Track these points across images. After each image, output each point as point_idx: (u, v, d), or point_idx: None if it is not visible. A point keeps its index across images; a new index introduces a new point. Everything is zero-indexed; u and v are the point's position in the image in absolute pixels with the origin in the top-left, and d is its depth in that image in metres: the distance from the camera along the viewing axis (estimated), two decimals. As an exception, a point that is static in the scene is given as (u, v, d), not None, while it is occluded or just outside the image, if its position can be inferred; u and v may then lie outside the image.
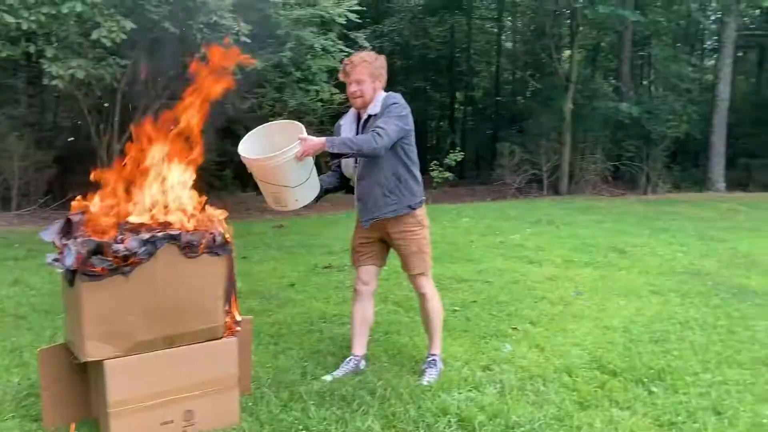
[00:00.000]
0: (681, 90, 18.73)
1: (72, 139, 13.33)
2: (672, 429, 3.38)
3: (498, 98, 26.54)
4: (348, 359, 4.10)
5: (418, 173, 3.95)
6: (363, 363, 4.11)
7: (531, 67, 25.64)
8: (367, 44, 13.09)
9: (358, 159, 3.85)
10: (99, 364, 2.97)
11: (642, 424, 3.41)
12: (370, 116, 3.81)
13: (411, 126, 3.82)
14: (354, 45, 13.14)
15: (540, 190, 17.90)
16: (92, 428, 3.19)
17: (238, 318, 3.50)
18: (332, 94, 12.92)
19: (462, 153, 19.36)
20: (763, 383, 3.97)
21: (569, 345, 4.62)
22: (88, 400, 3.27)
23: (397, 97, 3.81)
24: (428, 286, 4.10)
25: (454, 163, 18.43)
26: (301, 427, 3.28)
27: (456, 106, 30.22)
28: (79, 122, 12.29)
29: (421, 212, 3.98)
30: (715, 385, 3.95)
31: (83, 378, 3.26)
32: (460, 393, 3.70)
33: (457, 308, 5.52)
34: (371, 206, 3.90)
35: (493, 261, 7.50)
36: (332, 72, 12.96)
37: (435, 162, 18.69)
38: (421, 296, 4.12)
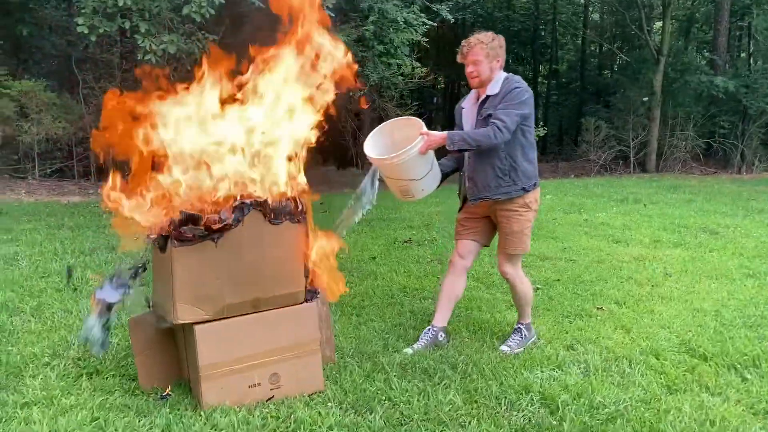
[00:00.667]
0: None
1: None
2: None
3: (584, 71, 25.73)
4: (427, 329, 4.11)
5: (533, 155, 3.93)
6: (442, 335, 4.11)
7: (619, 39, 24.73)
8: (449, 16, 12.92)
9: None
10: (190, 328, 3.09)
11: (735, 411, 3.28)
12: (488, 96, 3.80)
13: (531, 109, 3.80)
14: (436, 17, 12.99)
15: (626, 168, 17.35)
16: (185, 389, 3.33)
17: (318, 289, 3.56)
18: (414, 68, 12.84)
19: (545, 128, 18.94)
20: None
21: (657, 327, 4.49)
22: (179, 363, 3.42)
23: (519, 80, 3.80)
24: (514, 270, 4.06)
25: (537, 138, 18.06)
26: (384, 397, 3.32)
27: (539, 80, 29.52)
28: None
29: (533, 195, 3.94)
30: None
31: (172, 343, 3.41)
32: (542, 371, 3.67)
33: (539, 286, 5.44)
34: (482, 186, 3.89)
35: (578, 239, 7.34)
36: (414, 45, 12.88)
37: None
38: (508, 281, 4.13)
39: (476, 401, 3.32)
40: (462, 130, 3.91)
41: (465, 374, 3.63)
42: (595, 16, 27.25)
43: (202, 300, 3.07)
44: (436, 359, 3.82)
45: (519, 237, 3.95)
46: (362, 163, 15.74)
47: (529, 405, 3.29)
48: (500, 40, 3.87)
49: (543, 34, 27.14)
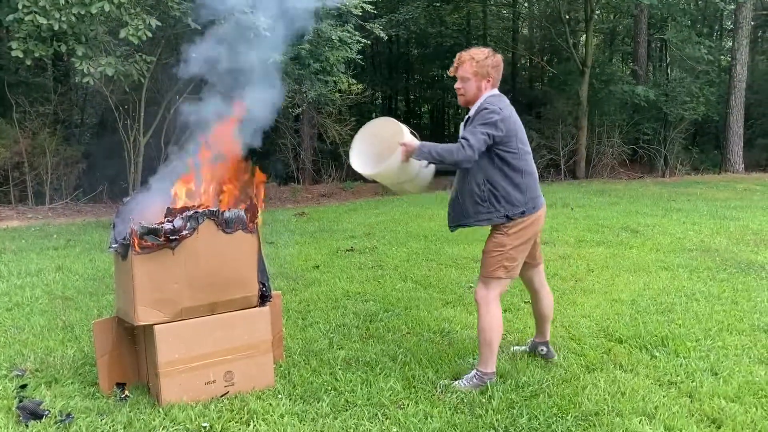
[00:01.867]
0: (698, 72, 18.77)
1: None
2: (671, 387, 3.66)
3: (515, 84, 26.62)
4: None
5: (524, 181, 3.65)
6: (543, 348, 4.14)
7: (548, 52, 25.72)
8: (383, 34, 13.35)
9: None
10: (150, 329, 3.33)
11: (643, 383, 3.70)
12: (468, 117, 3.67)
13: (506, 131, 3.54)
14: (370, 35, 13.40)
15: (557, 175, 18.09)
16: (144, 390, 3.55)
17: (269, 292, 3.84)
18: (350, 84, 13.21)
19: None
20: (760, 347, 4.24)
21: (578, 316, 4.91)
22: (137, 366, 3.64)
23: (493, 101, 3.60)
24: (483, 293, 3.69)
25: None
26: (330, 388, 3.62)
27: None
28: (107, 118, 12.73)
29: (521, 224, 3.64)
30: (714, 349, 4.22)
31: (133, 346, 3.64)
32: (474, 359, 4.02)
33: (472, 285, 5.82)
34: (457, 213, 3.77)
35: (509, 242, 7.77)
36: (349, 63, 13.24)
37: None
38: (476, 303, 3.76)
39: (414, 386, 3.65)
40: None
41: (404, 364, 3.96)
42: (525, 31, 28.28)
43: (161, 303, 3.32)
44: (378, 353, 4.14)
45: (492, 259, 3.65)
46: (303, 179, 16.01)
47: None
48: (495, 60, 3.64)
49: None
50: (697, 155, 20.25)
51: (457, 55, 3.69)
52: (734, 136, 18.45)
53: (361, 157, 3.86)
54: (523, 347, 4.22)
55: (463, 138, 3.51)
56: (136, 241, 3.21)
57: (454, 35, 25.87)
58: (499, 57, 3.68)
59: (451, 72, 3.71)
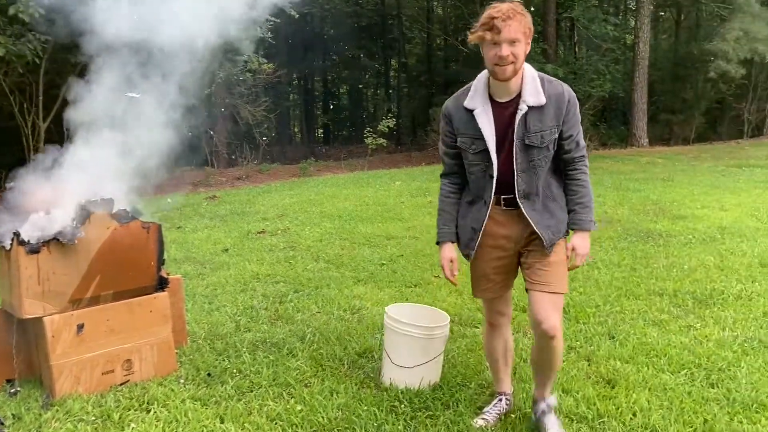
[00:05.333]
0: (604, 50, 19.41)
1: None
2: (570, 352, 3.78)
3: (431, 64, 26.84)
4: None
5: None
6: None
7: (462, 32, 25.98)
8: (293, 13, 13.13)
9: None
10: (39, 321, 3.17)
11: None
12: (531, 108, 2.66)
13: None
14: (282, 14, 13.15)
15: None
16: (35, 385, 3.38)
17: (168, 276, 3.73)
18: (260, 64, 12.95)
19: (394, 119, 19.63)
20: (654, 311, 4.44)
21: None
22: (29, 360, 3.46)
23: (549, 78, 2.76)
24: (558, 318, 2.78)
25: (387, 130, 18.71)
26: (235, 371, 3.55)
27: (391, 73, 30.43)
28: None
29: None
30: (612, 314, 4.39)
31: (22, 341, 3.45)
32: (382, 334, 4.03)
33: (384, 262, 5.85)
34: (554, 226, 2.84)
35: (422, 219, 7.85)
36: (260, 42, 12.98)
37: (369, 129, 18.95)
38: (550, 334, 2.74)
39: (321, 365, 3.63)
40: (477, 147, 2.75)
41: (312, 343, 3.93)
42: (440, 11, 28.50)
43: (50, 295, 3.17)
44: (286, 334, 4.09)
45: (563, 270, 2.88)
46: (216, 162, 15.65)
47: (369, 363, 3.65)
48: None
49: (391, 29, 28.00)
50: (605, 131, 20.99)
51: (491, 10, 2.57)
52: (639, 111, 19.23)
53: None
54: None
55: (580, 157, 2.79)
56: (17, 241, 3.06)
57: (369, 14, 25.83)
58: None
59: (482, 35, 2.56)
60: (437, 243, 2.98)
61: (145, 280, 3.49)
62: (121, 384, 3.35)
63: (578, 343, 3.91)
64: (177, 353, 3.68)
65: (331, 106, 32.57)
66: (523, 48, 2.60)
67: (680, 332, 4.05)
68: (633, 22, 21.18)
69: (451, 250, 2.93)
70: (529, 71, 2.70)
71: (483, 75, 2.78)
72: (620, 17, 24.83)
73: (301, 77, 27.45)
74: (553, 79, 2.74)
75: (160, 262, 3.63)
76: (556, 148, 2.74)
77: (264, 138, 17.22)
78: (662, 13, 25.88)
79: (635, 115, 19.24)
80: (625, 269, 5.46)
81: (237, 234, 7.22)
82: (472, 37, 2.62)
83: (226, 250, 6.47)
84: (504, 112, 2.72)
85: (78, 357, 3.23)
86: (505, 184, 2.75)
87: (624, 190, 9.78)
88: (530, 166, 2.72)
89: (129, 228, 3.39)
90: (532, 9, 23.33)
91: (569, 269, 2.85)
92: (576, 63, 19.33)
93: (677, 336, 3.97)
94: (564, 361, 3.64)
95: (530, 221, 2.75)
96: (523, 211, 2.75)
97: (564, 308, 4.47)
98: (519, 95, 2.69)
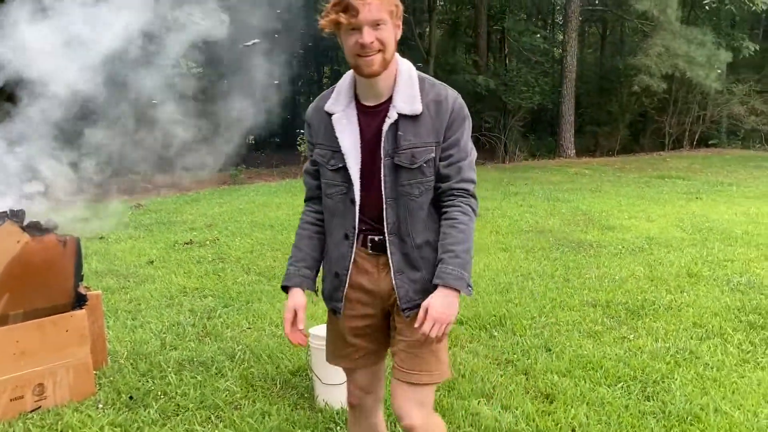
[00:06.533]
0: (533, 62, 19.84)
1: None
2: (508, 366, 3.73)
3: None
4: None
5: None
6: None
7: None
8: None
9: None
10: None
11: (483, 363, 3.75)
12: (402, 117, 2.02)
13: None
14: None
15: (405, 162, 18.45)
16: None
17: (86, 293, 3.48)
18: (189, 68, 12.56)
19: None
20: (588, 322, 4.45)
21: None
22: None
23: (429, 78, 2.14)
24: (425, 415, 2.14)
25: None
26: (160, 393, 3.34)
27: (324, 81, 30.25)
28: None
29: None
30: (548, 326, 4.38)
31: None
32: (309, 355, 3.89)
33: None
34: (422, 280, 2.14)
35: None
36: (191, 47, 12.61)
37: (302, 136, 18.72)
38: None
39: (252, 385, 3.46)
40: (336, 162, 2.09)
41: (242, 362, 3.75)
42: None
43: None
44: (215, 352, 3.89)
45: (438, 352, 2.15)
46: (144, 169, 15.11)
47: (303, 382, 3.49)
48: None
49: (323, 36, 27.85)
50: (534, 142, 21.40)
51: None
52: (566, 123, 19.68)
53: None
54: None
55: (461, 190, 2.06)
56: None
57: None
58: None
59: (336, 18, 1.90)
60: (282, 288, 2.19)
61: (60, 298, 3.24)
62: (32, 411, 3.09)
63: (516, 356, 3.87)
64: (96, 375, 3.44)
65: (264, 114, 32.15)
66: (391, 32, 1.97)
67: (615, 344, 4.06)
68: (561, 36, 21.76)
69: (299, 297, 2.15)
70: (405, 68, 2.09)
71: (348, 74, 2.15)
72: (549, 31, 25.46)
73: (232, 83, 27.05)
74: (438, 82, 2.11)
75: (78, 277, 3.38)
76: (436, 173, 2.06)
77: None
78: (588, 28, 26.70)
79: (563, 127, 19.69)
80: (558, 280, 5.48)
81: (163, 245, 6.91)
82: (324, 23, 1.93)
83: (152, 262, 6.17)
84: (373, 120, 2.07)
85: (-17, 383, 2.96)
86: (373, 217, 2.08)
87: (554, 200, 9.93)
88: (400, 193, 2.03)
89: (43, 241, 3.14)
90: (462, 19, 23.77)
91: (423, 341, 2.00)
92: (506, 75, 19.67)
93: (612, 348, 3.98)
94: (502, 376, 3.59)
95: (391, 267, 2.07)
96: (388, 253, 2.06)
97: (501, 320, 4.47)
98: (390, 99, 2.05)
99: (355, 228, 2.09)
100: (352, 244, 2.10)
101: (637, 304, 4.79)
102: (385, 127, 2.02)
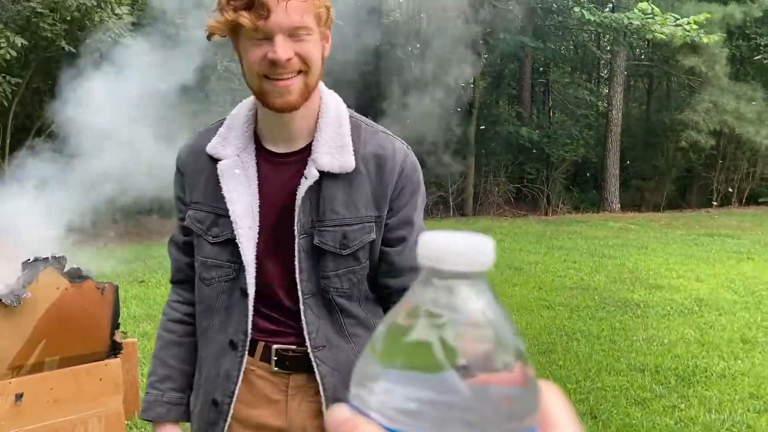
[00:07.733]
0: (577, 115, 19.75)
1: None
2: (551, 433, 3.55)
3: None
4: None
5: None
6: None
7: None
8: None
9: None
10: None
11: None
12: (324, 176, 1.37)
13: None
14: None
15: (446, 211, 18.36)
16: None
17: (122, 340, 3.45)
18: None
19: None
20: (636, 388, 4.25)
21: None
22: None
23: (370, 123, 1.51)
24: None
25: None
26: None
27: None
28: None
29: None
30: (594, 391, 4.20)
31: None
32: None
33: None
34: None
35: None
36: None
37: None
38: None
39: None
40: (220, 232, 1.41)
41: None
42: (416, 71, 28.89)
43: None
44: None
45: None
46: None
47: None
48: None
49: (371, 84, 28.27)
50: (577, 195, 21.15)
51: None
52: (611, 177, 19.44)
53: None
54: None
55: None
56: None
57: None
58: None
59: (244, 21, 1.23)
60: (147, 420, 1.51)
61: (96, 346, 3.21)
62: (63, 461, 3.04)
63: (559, 423, 3.69)
64: (128, 425, 3.38)
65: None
66: (317, 45, 1.32)
67: (665, 413, 3.86)
68: (606, 90, 21.66)
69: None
70: (332, 103, 1.43)
71: (246, 103, 1.47)
72: (594, 84, 25.42)
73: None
74: (381, 128, 1.47)
75: (115, 325, 3.36)
76: (375, 259, 1.44)
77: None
78: (634, 82, 26.56)
79: (607, 180, 19.45)
80: (604, 341, 5.28)
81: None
82: (214, 24, 1.29)
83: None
84: (282, 172, 1.42)
85: (16, 430, 2.92)
86: (279, 316, 1.43)
87: (599, 256, 9.70)
88: (323, 288, 1.39)
89: (81, 288, 3.13)
90: (506, 71, 23.93)
91: None
92: (550, 127, 19.61)
93: (662, 417, 3.78)
94: (545, 444, 3.41)
95: (321, 394, 1.39)
96: (317, 375, 1.39)
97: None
98: (309, 147, 1.39)
99: (246, 333, 1.40)
100: (242, 356, 1.40)
101: (688, 371, 4.57)
102: (301, 190, 1.36)
